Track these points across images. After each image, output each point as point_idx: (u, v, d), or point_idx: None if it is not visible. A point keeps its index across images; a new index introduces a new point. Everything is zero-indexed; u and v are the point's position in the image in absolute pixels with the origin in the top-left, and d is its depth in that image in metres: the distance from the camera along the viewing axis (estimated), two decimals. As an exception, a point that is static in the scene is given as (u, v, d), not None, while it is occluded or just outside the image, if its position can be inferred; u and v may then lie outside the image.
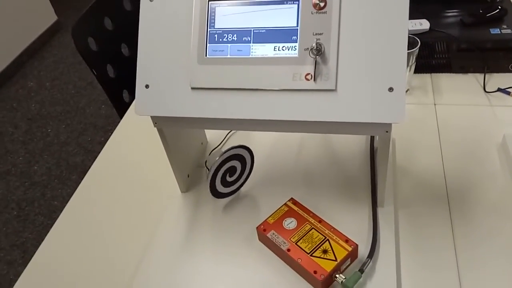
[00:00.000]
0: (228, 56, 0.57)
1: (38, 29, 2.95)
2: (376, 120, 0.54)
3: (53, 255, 0.72)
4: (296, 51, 0.55)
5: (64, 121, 2.31)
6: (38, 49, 2.94)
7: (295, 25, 0.55)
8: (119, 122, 0.99)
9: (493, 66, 0.92)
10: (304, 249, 0.60)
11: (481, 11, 0.93)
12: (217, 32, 0.58)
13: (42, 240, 0.74)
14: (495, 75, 0.92)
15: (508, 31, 0.89)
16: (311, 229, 0.63)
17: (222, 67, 0.58)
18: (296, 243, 0.61)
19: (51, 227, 0.76)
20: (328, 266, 0.58)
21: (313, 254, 0.59)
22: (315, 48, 0.54)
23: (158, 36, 0.59)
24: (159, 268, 0.65)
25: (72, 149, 2.13)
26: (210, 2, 0.58)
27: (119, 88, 1.29)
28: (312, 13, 0.55)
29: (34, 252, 0.72)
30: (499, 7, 0.93)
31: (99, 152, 0.90)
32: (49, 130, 2.27)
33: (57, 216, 0.75)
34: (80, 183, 0.84)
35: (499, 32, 0.89)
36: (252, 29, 0.57)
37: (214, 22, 0.58)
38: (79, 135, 2.20)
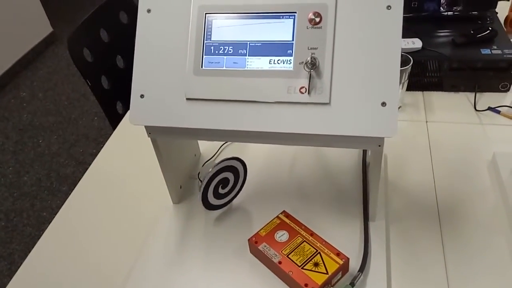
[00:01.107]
0: (224, 68, 0.58)
1: (33, 40, 2.95)
2: (369, 134, 0.54)
3: (40, 267, 0.71)
4: (291, 65, 0.56)
5: (56, 132, 2.30)
6: (32, 59, 2.94)
7: (291, 39, 0.56)
8: (111, 134, 0.99)
9: (484, 86, 0.93)
10: (296, 262, 0.60)
11: (472, 31, 0.95)
12: (214, 44, 0.59)
13: (30, 251, 0.73)
14: (486, 94, 0.94)
15: (498, 51, 0.91)
16: (303, 242, 0.63)
17: (217, 79, 0.58)
18: (287, 256, 0.61)
19: (39, 238, 0.75)
20: (319, 279, 0.58)
21: (305, 267, 0.59)
22: (309, 62, 0.55)
23: (154, 46, 0.60)
24: (149, 280, 0.64)
25: (63, 160, 2.11)
26: (207, 15, 0.59)
27: (113, 100, 1.29)
28: (307, 28, 0.56)
29: (21, 264, 0.71)
30: (490, 28, 0.95)
31: (90, 164, 0.89)
32: (40, 141, 2.26)
33: (46, 228, 0.74)
34: (69, 194, 0.83)
35: (490, 53, 0.91)
36: (248, 42, 0.58)
37: (210, 34, 0.59)
38: (70, 147, 2.19)
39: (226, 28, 0.58)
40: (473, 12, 1.02)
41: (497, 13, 1.05)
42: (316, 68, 0.55)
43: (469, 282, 0.61)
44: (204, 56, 0.59)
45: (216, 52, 0.58)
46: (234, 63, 0.58)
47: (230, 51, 0.58)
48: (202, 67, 0.59)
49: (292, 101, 0.56)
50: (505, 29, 1.01)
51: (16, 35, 2.79)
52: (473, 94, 0.94)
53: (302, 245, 0.62)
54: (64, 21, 3.35)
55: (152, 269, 0.65)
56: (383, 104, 0.54)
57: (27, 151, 2.20)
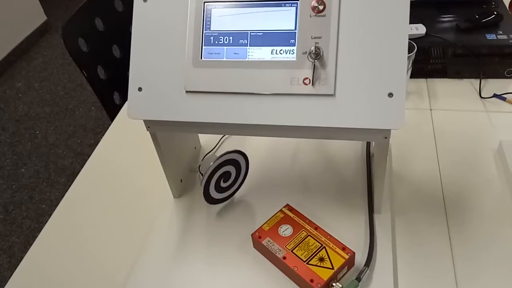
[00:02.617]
0: (224, 59, 0.56)
1: (26, 29, 2.90)
2: (375, 126, 0.52)
3: (41, 261, 0.69)
4: (294, 55, 0.54)
5: (53, 123, 2.28)
6: (27, 49, 2.89)
7: (293, 28, 0.54)
8: (109, 124, 0.97)
9: (489, 72, 0.91)
10: (300, 257, 0.59)
11: (476, 16, 0.93)
12: (213, 34, 0.56)
13: (29, 244, 0.72)
14: (491, 80, 0.92)
15: (504, 36, 0.89)
16: (307, 236, 0.61)
17: (218, 70, 0.56)
18: (292, 251, 0.60)
19: (38, 231, 0.74)
20: (325, 274, 0.57)
21: (310, 262, 0.58)
22: (313, 52, 0.53)
23: (151, 38, 0.58)
24: (150, 276, 0.63)
25: (61, 152, 2.09)
26: (206, 3, 0.56)
27: (110, 90, 1.27)
28: (310, 16, 0.53)
29: (21, 257, 0.70)
30: (495, 13, 0.92)
31: (89, 155, 0.88)
32: (37, 132, 2.23)
33: (45, 220, 0.73)
34: (68, 186, 0.82)
35: (495, 38, 0.89)
36: (249, 31, 0.55)
37: (210, 24, 0.56)
38: (68, 137, 2.17)
39: (226, 17, 0.56)
40: (477, -4, 1.00)
41: (501, -4, 1.02)
42: (320, 58, 0.53)
43: (477, 273, 0.60)
44: (203, 47, 0.57)
45: (216, 42, 0.56)
46: (235, 53, 0.56)
47: (231, 41, 0.56)
48: (201, 58, 0.57)
49: (296, 92, 0.54)
50: (510, 13, 0.98)
51: (9, 24, 2.74)
52: (478, 80, 0.92)
53: (306, 240, 0.61)
54: (58, 9, 3.29)
55: (154, 265, 0.64)
56: (390, 95, 0.52)
57: (24, 143, 2.18)
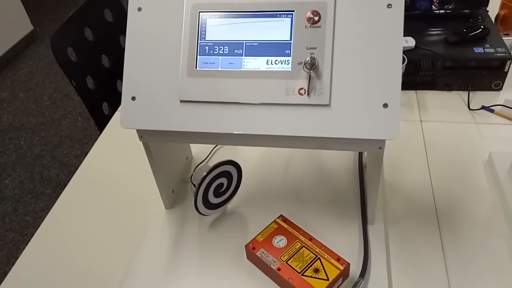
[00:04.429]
0: (219, 69, 0.56)
1: (13, 38, 2.87)
2: (370, 137, 0.53)
3: (26, 276, 0.68)
4: (289, 65, 0.54)
5: (38, 133, 2.24)
6: (12, 59, 2.86)
7: (289, 38, 0.54)
8: (96, 135, 0.96)
9: (477, 84, 0.93)
10: (295, 268, 0.58)
11: (464, 30, 0.95)
12: (208, 44, 0.56)
13: (13, 257, 0.70)
14: (479, 93, 0.93)
15: (491, 50, 0.90)
16: (302, 248, 0.61)
17: (212, 80, 0.56)
18: (286, 262, 0.59)
19: (22, 243, 0.72)
20: (320, 286, 0.56)
21: (304, 274, 0.58)
22: (309, 62, 0.53)
23: (146, 47, 0.57)
24: (142, 289, 0.62)
25: (47, 162, 2.06)
26: (201, 13, 0.56)
27: (99, 100, 1.25)
28: (306, 27, 0.54)
29: (4, 270, 0.68)
30: (482, 27, 0.94)
31: (75, 166, 0.87)
32: (22, 142, 2.19)
33: (29, 232, 0.71)
34: (54, 197, 0.80)
35: (483, 51, 0.90)
36: (244, 41, 0.55)
37: (205, 34, 0.56)
38: (54, 148, 2.13)
39: (221, 27, 0.56)
40: (464, 10, 1.02)
41: (487, 11, 1.04)
42: (316, 69, 0.53)
43: (470, 282, 0.60)
44: (198, 57, 0.56)
45: (211, 52, 0.56)
46: (230, 63, 0.56)
47: (226, 51, 0.56)
48: (196, 68, 0.56)
49: (291, 102, 0.54)
50: (496, 27, 1.00)
51: (-5, 33, 2.71)
52: (466, 93, 0.93)
53: (301, 251, 0.60)
54: (45, 19, 3.27)
55: (146, 277, 0.63)
56: (385, 105, 0.52)
57: (9, 153, 2.13)
